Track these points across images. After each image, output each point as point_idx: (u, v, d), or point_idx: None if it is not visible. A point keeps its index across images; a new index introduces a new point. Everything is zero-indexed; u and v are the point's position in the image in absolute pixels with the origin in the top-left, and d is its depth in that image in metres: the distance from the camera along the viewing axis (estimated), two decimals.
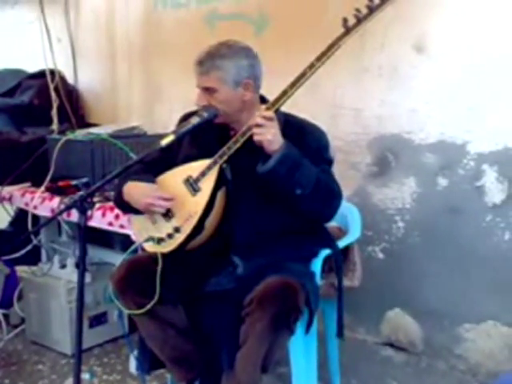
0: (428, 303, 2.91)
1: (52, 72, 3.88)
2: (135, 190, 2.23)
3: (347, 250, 2.48)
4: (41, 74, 3.93)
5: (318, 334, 2.31)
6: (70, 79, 4.10)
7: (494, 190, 2.69)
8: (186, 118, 2.27)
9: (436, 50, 2.78)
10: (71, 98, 3.97)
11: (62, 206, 2.89)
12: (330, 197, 2.15)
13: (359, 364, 2.85)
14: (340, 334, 2.33)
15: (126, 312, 2.22)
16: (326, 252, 2.29)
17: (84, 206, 2.10)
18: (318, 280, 2.24)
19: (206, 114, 2.20)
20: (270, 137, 2.02)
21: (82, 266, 2.19)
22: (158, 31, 3.74)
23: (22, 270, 3.34)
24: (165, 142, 2.14)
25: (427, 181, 2.87)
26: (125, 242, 3.31)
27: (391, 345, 3.06)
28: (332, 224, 2.53)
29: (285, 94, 2.08)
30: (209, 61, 2.15)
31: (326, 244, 2.31)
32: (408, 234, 2.96)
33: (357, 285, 2.48)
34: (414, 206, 2.93)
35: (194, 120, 2.19)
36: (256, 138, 2.03)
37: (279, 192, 2.09)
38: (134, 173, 2.28)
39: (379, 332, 3.09)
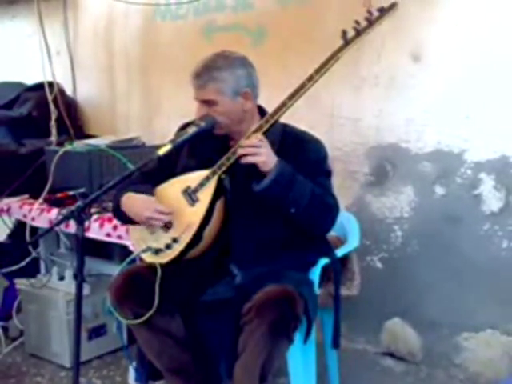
0: (427, 312, 2.90)
1: (51, 84, 3.87)
2: (134, 203, 2.22)
3: (346, 259, 2.47)
4: (39, 87, 3.93)
5: (316, 343, 2.30)
6: (69, 91, 4.11)
7: (491, 198, 2.69)
8: (184, 127, 2.27)
9: (433, 59, 2.79)
10: (70, 109, 3.97)
11: (60, 217, 2.88)
12: (325, 211, 2.15)
13: (359, 374, 2.83)
14: (336, 344, 2.32)
15: (124, 322, 2.20)
16: (324, 261, 2.28)
17: (81, 217, 2.10)
18: (317, 289, 2.24)
19: (203, 124, 2.19)
20: (264, 158, 2.03)
21: (80, 277, 2.20)
22: (156, 43, 3.76)
23: (20, 283, 3.31)
24: (162, 151, 2.14)
25: (425, 190, 2.87)
26: (123, 253, 3.31)
27: (391, 354, 3.05)
28: (330, 233, 2.52)
29: (284, 106, 2.08)
30: (206, 73, 2.15)
31: (324, 253, 2.30)
32: (406, 243, 2.95)
33: (355, 294, 2.47)
34: (412, 214, 2.92)
35: (191, 130, 2.19)
36: (249, 159, 2.04)
37: (275, 209, 2.10)
38: (133, 183, 2.28)
39: (379, 342, 3.08)
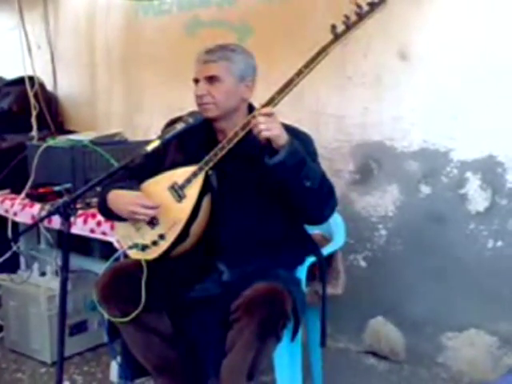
0: (410, 311, 2.85)
1: (31, 79, 3.78)
2: (119, 198, 2.15)
3: (331, 257, 2.42)
4: (20, 81, 3.84)
5: (301, 342, 2.25)
6: (49, 86, 4.01)
7: (477, 197, 2.64)
8: (172, 123, 2.20)
9: (420, 58, 2.74)
10: (50, 104, 3.88)
11: (44, 213, 2.79)
12: (331, 194, 2.10)
13: (342, 373, 2.77)
14: (323, 343, 2.27)
15: (112, 320, 2.12)
16: (310, 259, 2.23)
17: (67, 212, 2.03)
18: (304, 287, 2.18)
19: (191, 120, 2.15)
20: (278, 131, 1.93)
21: (65, 273, 2.14)
22: (138, 39, 3.67)
23: (1, 278, 3.22)
24: (150, 147, 2.08)
25: (410, 188, 2.82)
26: (104, 249, 3.24)
27: (373, 353, 2.99)
28: (315, 231, 2.48)
29: (272, 101, 2.01)
30: (219, 51, 2.10)
31: (310, 251, 2.26)
32: (391, 242, 2.89)
33: (340, 292, 2.41)
34: (396, 213, 2.87)
35: (179, 125, 2.13)
36: (265, 134, 1.92)
37: (288, 185, 1.99)
38: (119, 179, 2.20)
39: (361, 341, 3.02)
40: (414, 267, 2.82)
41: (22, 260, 3.27)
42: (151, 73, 3.60)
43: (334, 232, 2.51)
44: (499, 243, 2.61)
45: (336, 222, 2.51)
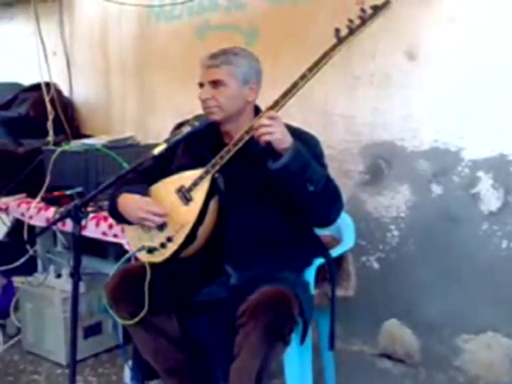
0: (425, 313, 2.76)
1: (47, 85, 3.77)
2: (129, 203, 2.12)
3: (341, 259, 2.36)
4: (36, 87, 3.82)
5: (312, 345, 2.19)
6: (66, 92, 4.00)
7: (489, 197, 2.55)
8: (179, 127, 2.18)
9: (428, 57, 2.66)
10: (66, 110, 3.86)
11: (57, 216, 2.78)
12: (337, 197, 2.04)
13: (356, 376, 2.68)
14: (331, 346, 2.21)
15: (119, 321, 2.10)
16: (319, 261, 2.17)
17: (78, 216, 2.03)
18: (312, 290, 2.12)
19: (196, 123, 2.12)
20: (280, 135, 1.89)
21: (76, 275, 2.11)
22: (150, 44, 3.65)
23: (18, 281, 3.21)
24: (157, 150, 2.06)
25: (421, 188, 2.74)
26: (118, 251, 3.22)
27: (388, 356, 2.90)
28: (325, 233, 2.42)
29: (276, 105, 1.98)
30: (222, 55, 2.09)
31: (319, 253, 2.20)
32: (403, 243, 2.81)
33: (351, 294, 2.35)
34: (408, 214, 2.78)
35: (186, 129, 2.11)
36: (266, 138, 1.89)
37: (291, 189, 1.96)
38: (128, 182, 2.17)
39: (376, 343, 2.93)
40: (428, 268, 2.74)
41: (39, 263, 3.26)
42: (163, 77, 3.58)
43: (344, 233, 2.44)
44: None
45: (345, 222, 2.45)
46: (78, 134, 3.80)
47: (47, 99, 3.70)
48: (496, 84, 2.50)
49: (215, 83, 2.07)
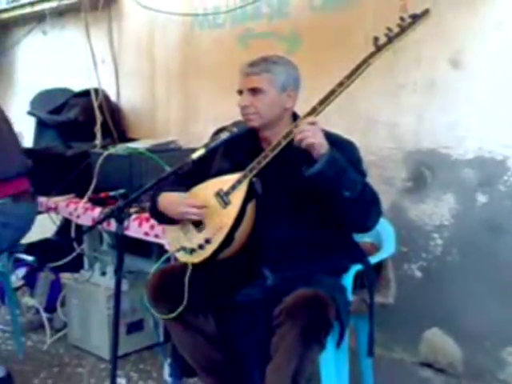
0: (468, 324, 2.68)
1: (96, 91, 3.87)
2: (169, 200, 2.19)
3: (380, 266, 2.35)
4: (86, 93, 3.93)
5: (351, 351, 2.19)
6: (113, 97, 4.10)
7: None
8: (219, 132, 2.22)
9: (474, 64, 2.61)
10: (114, 115, 3.95)
11: (101, 216, 2.87)
12: (374, 203, 2.05)
13: (395, 383, 2.67)
14: (370, 352, 2.20)
15: (159, 317, 2.16)
16: (357, 267, 2.17)
17: (121, 216, 2.09)
18: (349, 295, 2.12)
19: (235, 129, 2.17)
20: (318, 141, 1.92)
21: (119, 273, 2.18)
22: (194, 51, 3.70)
23: (65, 277, 3.33)
24: (195, 155, 2.12)
25: (466, 197, 2.67)
26: (160, 251, 3.28)
27: (429, 365, 2.83)
28: (365, 239, 2.41)
29: (314, 111, 2.01)
30: (262, 63, 2.11)
31: (357, 259, 2.20)
32: (447, 252, 2.74)
33: (391, 302, 2.34)
34: (452, 222, 2.72)
35: (224, 135, 2.16)
36: (305, 142, 1.92)
37: (327, 195, 1.98)
38: (168, 185, 2.23)
39: (417, 352, 2.87)
40: (472, 278, 2.67)
41: (86, 260, 3.35)
42: (206, 83, 3.63)
43: (384, 240, 2.42)
44: None
45: (386, 230, 2.43)
46: (124, 138, 3.88)
47: (96, 105, 3.80)
48: None
49: (254, 91, 2.09)
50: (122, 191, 2.89)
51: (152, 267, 2.99)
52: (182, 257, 2.20)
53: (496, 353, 2.63)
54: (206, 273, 2.14)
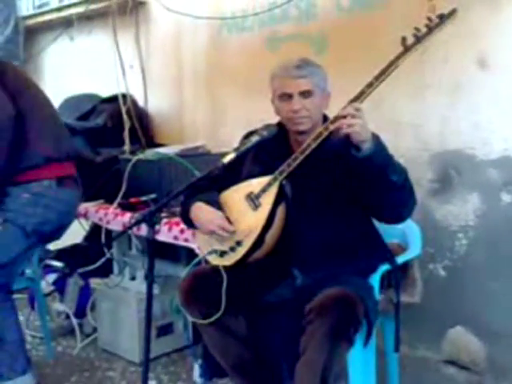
0: (492, 322, 2.79)
1: (124, 96, 4.01)
2: (202, 214, 2.27)
3: (407, 266, 2.44)
4: (114, 99, 4.07)
5: (377, 350, 2.29)
6: (141, 103, 4.23)
7: None
8: (248, 136, 2.33)
9: (499, 64, 2.71)
10: (142, 120, 4.08)
11: (132, 221, 2.98)
12: (412, 193, 2.14)
13: (420, 381, 2.77)
14: (397, 348, 2.30)
15: (192, 321, 2.26)
16: (384, 267, 2.27)
17: (152, 221, 2.20)
18: (377, 294, 2.22)
19: (265, 133, 2.26)
20: (360, 128, 1.96)
21: (150, 277, 2.30)
22: (222, 55, 3.82)
23: (95, 282, 3.45)
24: (226, 159, 2.21)
25: (491, 197, 2.78)
26: (189, 255, 3.39)
27: (453, 363, 2.94)
28: (392, 240, 2.51)
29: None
30: (306, 66, 2.19)
31: (384, 259, 2.30)
32: (471, 252, 2.86)
33: (417, 301, 2.43)
34: (477, 222, 2.83)
35: (254, 138, 2.26)
36: (347, 130, 1.97)
37: (375, 178, 2.02)
38: (199, 189, 2.33)
39: (440, 350, 2.99)
40: (496, 277, 2.77)
41: (115, 265, 3.47)
42: (233, 87, 3.74)
43: (410, 241, 2.52)
44: None
45: (412, 230, 2.54)
46: (153, 143, 4.01)
47: (124, 110, 3.94)
48: None
49: (305, 94, 2.17)
50: (153, 196, 3.00)
51: (181, 271, 3.14)
52: (214, 259, 2.30)
53: None
54: (236, 275, 2.23)
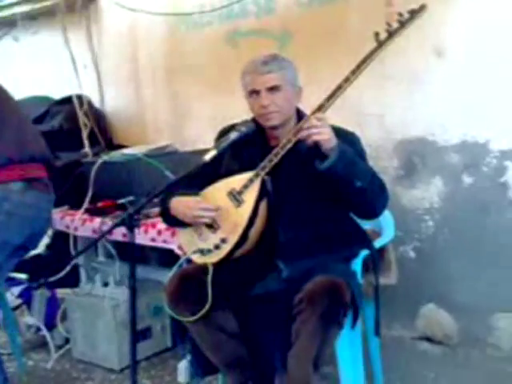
0: (461, 297, 3.07)
1: (79, 97, 4.04)
2: (181, 205, 2.39)
3: (382, 250, 2.64)
4: (68, 100, 4.09)
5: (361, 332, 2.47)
6: (97, 103, 4.28)
7: None
8: (224, 132, 2.44)
9: (455, 54, 2.95)
10: (99, 121, 4.12)
11: (107, 226, 3.02)
12: (382, 190, 2.31)
13: (397, 359, 2.99)
14: (377, 332, 2.49)
15: (182, 320, 2.33)
16: (364, 253, 2.45)
17: (132, 223, 2.26)
18: (360, 279, 2.40)
19: (244, 129, 2.37)
20: (327, 136, 2.15)
21: (133, 282, 2.35)
22: (181, 52, 3.91)
23: (62, 292, 3.49)
24: (208, 156, 2.31)
25: (453, 180, 3.06)
26: (161, 257, 3.48)
27: (427, 339, 3.22)
28: (366, 227, 2.67)
29: (322, 107, 2.23)
30: (273, 61, 2.31)
31: (364, 245, 2.47)
32: (438, 232, 3.14)
33: (394, 282, 2.65)
34: (441, 205, 3.11)
35: (233, 135, 2.36)
36: (314, 138, 2.14)
37: (339, 186, 2.21)
38: (178, 188, 2.42)
39: (414, 327, 3.26)
40: (462, 255, 3.05)
41: (83, 273, 3.51)
42: (195, 84, 3.84)
43: (384, 226, 2.73)
44: None
45: (385, 216, 2.69)
46: (112, 145, 4.06)
47: (81, 112, 3.97)
48: None
49: (273, 89, 2.28)
50: (130, 198, 3.05)
51: (154, 274, 3.23)
52: (199, 258, 2.40)
53: (486, 320, 3.05)
54: (222, 271, 2.34)
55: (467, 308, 3.06)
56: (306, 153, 2.25)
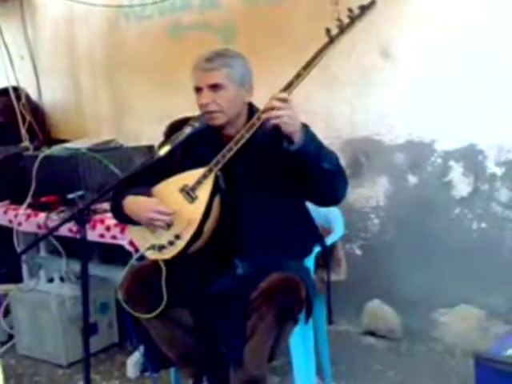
0: (405, 293, 3.27)
1: (16, 89, 4.05)
2: (136, 205, 2.42)
3: (333, 247, 2.78)
4: (3, 92, 4.09)
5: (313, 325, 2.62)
6: (34, 96, 4.28)
7: (460, 184, 3.07)
8: (175, 127, 2.47)
9: (401, 55, 3.12)
10: (37, 114, 4.15)
11: (51, 221, 3.08)
12: (345, 175, 2.36)
13: (344, 353, 3.17)
14: (330, 321, 2.65)
15: (139, 317, 2.43)
16: (317, 249, 2.59)
17: (83, 219, 2.34)
18: (312, 275, 2.54)
19: (197, 124, 2.39)
20: (287, 119, 2.09)
21: (85, 277, 2.42)
22: (121, 44, 3.97)
23: (5, 289, 3.51)
24: (163, 151, 2.34)
25: (398, 179, 3.24)
26: (104, 253, 3.57)
27: (372, 333, 3.42)
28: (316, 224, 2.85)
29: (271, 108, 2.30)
30: (218, 58, 2.31)
31: (317, 242, 2.60)
32: (383, 230, 3.32)
33: (343, 278, 2.79)
34: (387, 203, 3.29)
35: (187, 130, 2.37)
36: (275, 121, 2.10)
37: (308, 168, 2.19)
38: (130, 183, 2.47)
39: (360, 322, 3.45)
40: (407, 252, 3.25)
41: (25, 269, 3.55)
42: (136, 77, 3.91)
43: (334, 223, 2.87)
44: (483, 225, 3.04)
45: (334, 214, 2.88)
46: (50, 139, 4.07)
47: (17, 104, 3.98)
48: (465, 78, 2.96)
49: (215, 87, 2.31)
50: (80, 193, 3.11)
51: (97, 270, 3.32)
52: (152, 255, 2.47)
53: (429, 315, 3.25)
54: (178, 268, 2.44)
55: (410, 303, 3.26)
56: (263, 143, 2.33)
